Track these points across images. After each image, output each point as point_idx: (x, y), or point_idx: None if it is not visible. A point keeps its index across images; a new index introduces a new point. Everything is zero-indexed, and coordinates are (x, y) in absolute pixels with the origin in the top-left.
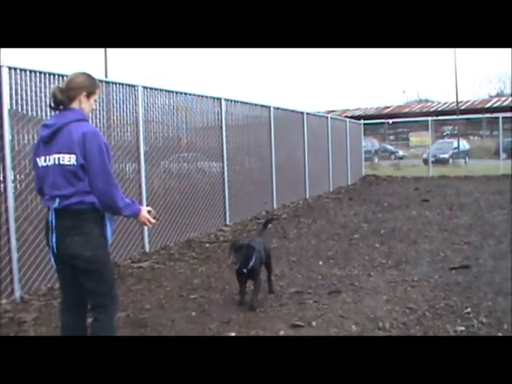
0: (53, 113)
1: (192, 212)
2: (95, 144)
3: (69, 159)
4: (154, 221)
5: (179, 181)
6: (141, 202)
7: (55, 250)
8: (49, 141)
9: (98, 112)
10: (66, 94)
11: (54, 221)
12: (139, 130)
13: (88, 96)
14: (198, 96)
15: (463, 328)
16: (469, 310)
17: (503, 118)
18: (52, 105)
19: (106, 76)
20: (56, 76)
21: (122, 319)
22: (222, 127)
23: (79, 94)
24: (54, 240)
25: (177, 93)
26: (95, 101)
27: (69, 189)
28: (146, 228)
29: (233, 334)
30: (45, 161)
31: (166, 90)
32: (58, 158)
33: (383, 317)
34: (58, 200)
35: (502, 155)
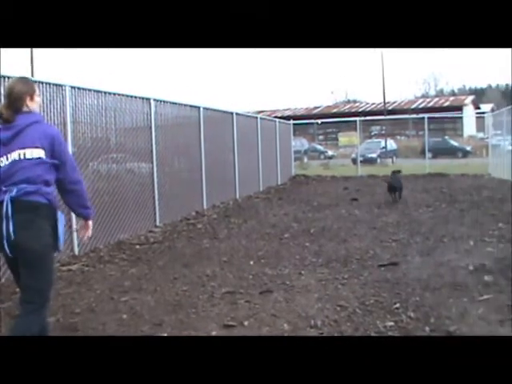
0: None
1: (122, 213)
2: None
3: None
4: None
5: (108, 182)
6: None
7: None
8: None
9: None
10: (12, 109)
11: None
12: (67, 131)
13: (31, 98)
14: (127, 96)
15: (392, 323)
16: (398, 305)
17: (428, 118)
18: None
19: (33, 75)
20: None
21: (51, 324)
22: (151, 128)
23: (24, 101)
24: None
25: (105, 93)
26: (39, 96)
27: None
28: (74, 231)
29: (165, 335)
30: None
31: (94, 90)
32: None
33: (315, 315)
34: None
35: (428, 154)
